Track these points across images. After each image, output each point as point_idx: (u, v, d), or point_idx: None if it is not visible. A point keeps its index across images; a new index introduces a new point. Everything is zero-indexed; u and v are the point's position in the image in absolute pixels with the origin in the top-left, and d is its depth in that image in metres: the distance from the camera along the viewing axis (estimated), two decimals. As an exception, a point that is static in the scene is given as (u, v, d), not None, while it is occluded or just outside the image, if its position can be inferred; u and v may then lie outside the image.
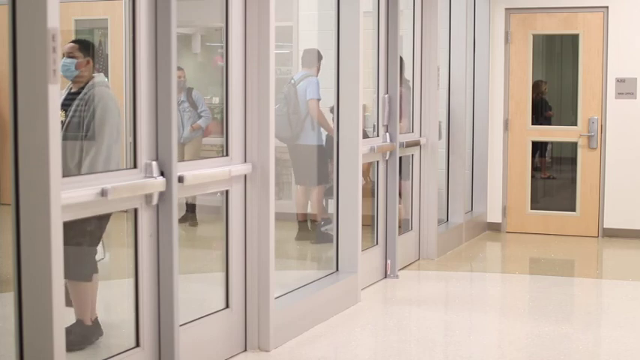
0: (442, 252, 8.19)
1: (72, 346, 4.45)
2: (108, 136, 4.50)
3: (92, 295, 4.69)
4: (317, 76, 7.67)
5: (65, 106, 4.57)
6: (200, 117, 7.62)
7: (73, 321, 4.59)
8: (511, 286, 7.36)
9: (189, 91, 7.61)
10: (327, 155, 7.64)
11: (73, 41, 4.69)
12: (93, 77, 4.65)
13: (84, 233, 4.48)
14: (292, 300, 5.62)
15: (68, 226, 3.82)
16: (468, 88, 9.03)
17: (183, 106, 7.53)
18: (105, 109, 4.52)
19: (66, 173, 4.37)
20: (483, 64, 9.40)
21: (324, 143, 7.71)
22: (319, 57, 7.77)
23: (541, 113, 10.03)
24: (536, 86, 9.79)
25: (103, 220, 4.42)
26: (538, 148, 10.20)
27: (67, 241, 4.31)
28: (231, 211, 5.01)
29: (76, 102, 4.59)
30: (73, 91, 4.65)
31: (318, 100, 7.55)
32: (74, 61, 4.58)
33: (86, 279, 4.62)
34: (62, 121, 4.56)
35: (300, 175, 7.91)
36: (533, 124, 9.55)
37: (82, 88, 4.61)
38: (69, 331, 4.44)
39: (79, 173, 4.44)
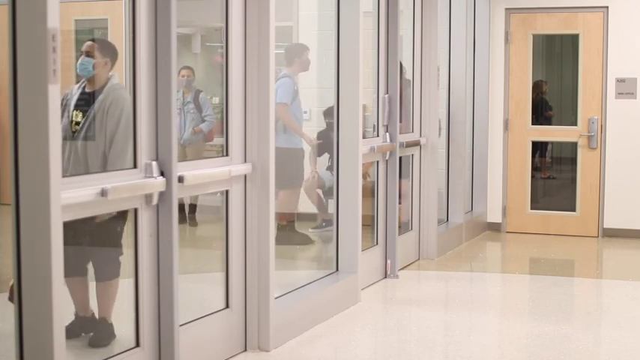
0: (442, 252, 8.19)
1: (100, 342, 4.52)
2: (131, 141, 4.49)
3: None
4: (299, 72, 7.47)
5: (81, 106, 4.54)
6: (203, 121, 7.54)
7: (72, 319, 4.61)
8: (511, 286, 7.36)
9: (197, 93, 7.49)
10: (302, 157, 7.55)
11: (92, 40, 4.65)
12: (109, 79, 4.57)
13: (115, 232, 4.53)
14: (292, 300, 5.62)
15: (104, 227, 4.04)
16: (468, 88, 9.03)
17: (188, 107, 7.45)
18: (129, 117, 4.48)
19: (86, 172, 4.44)
20: (483, 64, 9.40)
21: (300, 146, 7.56)
22: (298, 53, 7.55)
23: (541, 113, 10.02)
24: (537, 86, 9.79)
25: (124, 216, 4.44)
26: (538, 148, 10.20)
27: (102, 243, 4.39)
28: (231, 211, 5.01)
29: (95, 105, 4.51)
30: (87, 90, 4.58)
31: (285, 104, 7.30)
32: (92, 60, 4.53)
33: (116, 276, 4.67)
34: (78, 122, 4.54)
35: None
36: (533, 123, 9.55)
37: (100, 89, 4.53)
38: (94, 328, 4.53)
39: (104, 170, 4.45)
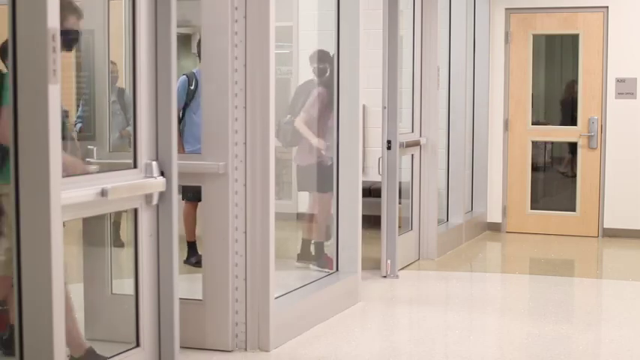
0: (442, 252, 8.19)
1: None
2: None
3: None
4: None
5: None
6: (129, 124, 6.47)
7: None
8: (511, 286, 7.36)
9: (121, 92, 6.31)
10: None
11: None
12: None
13: None
14: (292, 300, 5.62)
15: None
16: (468, 88, 9.03)
17: (114, 107, 6.09)
18: None
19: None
20: (483, 64, 9.40)
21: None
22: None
23: (571, 113, 9.92)
24: (568, 86, 9.71)
25: None
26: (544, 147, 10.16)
27: None
28: (206, 212, 4.95)
29: None
30: None
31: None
32: None
33: None
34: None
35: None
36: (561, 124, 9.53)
37: None
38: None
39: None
